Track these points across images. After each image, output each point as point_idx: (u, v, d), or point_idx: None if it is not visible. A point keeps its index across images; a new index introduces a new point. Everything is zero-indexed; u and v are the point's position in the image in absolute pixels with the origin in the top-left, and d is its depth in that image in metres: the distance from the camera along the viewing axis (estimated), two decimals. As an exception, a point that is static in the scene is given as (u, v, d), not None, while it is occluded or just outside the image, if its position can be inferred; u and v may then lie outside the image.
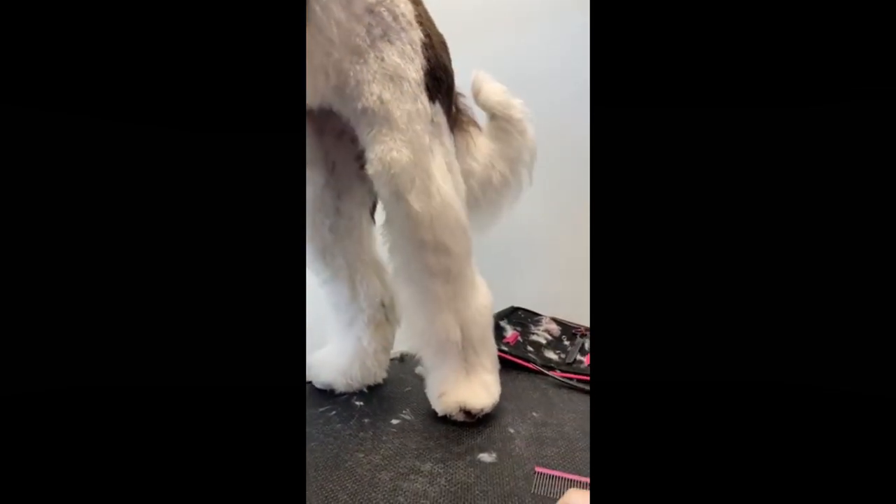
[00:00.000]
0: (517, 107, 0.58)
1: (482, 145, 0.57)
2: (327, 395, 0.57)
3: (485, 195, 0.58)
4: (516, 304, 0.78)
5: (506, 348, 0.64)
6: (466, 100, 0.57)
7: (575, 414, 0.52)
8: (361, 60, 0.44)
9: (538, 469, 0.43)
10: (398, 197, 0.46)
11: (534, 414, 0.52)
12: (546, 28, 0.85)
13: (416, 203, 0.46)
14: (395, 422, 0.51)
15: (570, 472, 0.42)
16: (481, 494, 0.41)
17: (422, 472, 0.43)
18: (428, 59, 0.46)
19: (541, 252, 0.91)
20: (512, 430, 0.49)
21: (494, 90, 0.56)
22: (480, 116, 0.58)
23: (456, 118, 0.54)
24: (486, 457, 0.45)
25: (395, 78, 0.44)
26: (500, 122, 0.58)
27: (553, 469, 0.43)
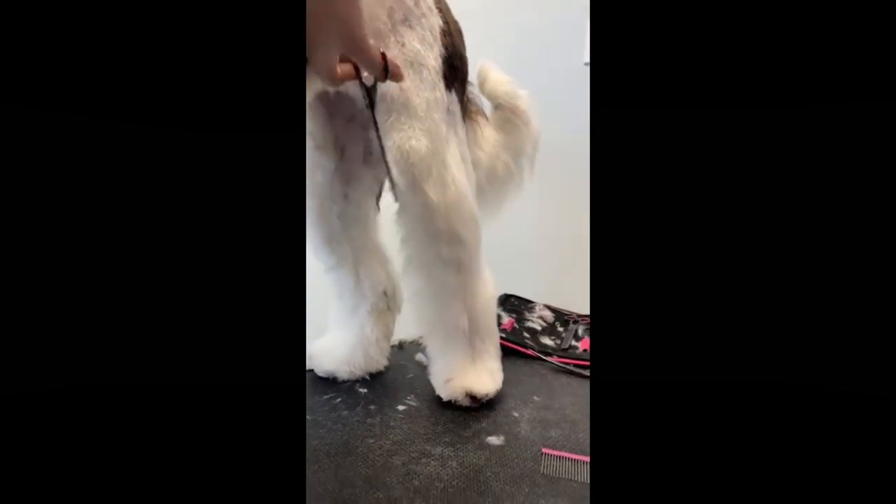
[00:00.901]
0: (523, 97, 0.58)
1: (489, 135, 0.57)
2: (330, 382, 0.57)
3: (490, 186, 0.58)
4: (506, 292, 0.80)
5: (503, 335, 0.66)
6: (473, 88, 0.56)
7: (575, 397, 0.54)
8: (382, 45, 0.43)
9: (545, 450, 0.45)
10: (415, 186, 0.46)
11: (535, 398, 0.54)
12: (542, 19, 0.85)
13: (432, 193, 0.46)
14: (401, 408, 0.52)
15: (575, 453, 0.45)
16: (493, 476, 0.42)
17: (433, 455, 0.45)
18: (446, 47, 0.46)
19: (529, 242, 0.93)
20: (516, 414, 0.51)
21: (500, 80, 0.57)
22: (486, 106, 0.58)
23: (465, 107, 0.54)
24: (494, 440, 0.47)
25: (414, 64, 0.43)
26: (505, 112, 0.58)
27: (559, 450, 0.45)
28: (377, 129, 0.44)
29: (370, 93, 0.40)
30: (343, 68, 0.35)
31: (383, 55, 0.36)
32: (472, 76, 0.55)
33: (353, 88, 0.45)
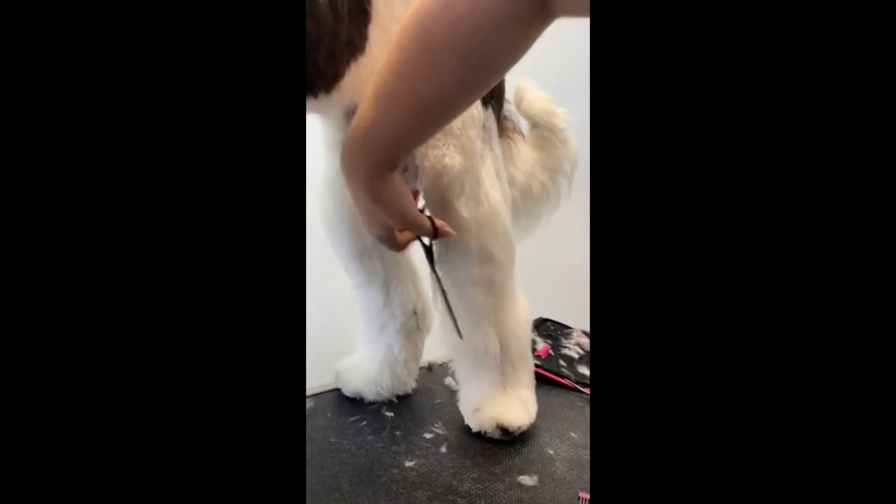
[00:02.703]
0: (560, 115, 0.56)
1: (525, 154, 0.55)
2: (356, 403, 0.55)
3: (525, 205, 0.56)
4: (542, 316, 0.76)
5: (538, 362, 0.62)
6: (510, 106, 0.55)
7: (616, 436, 0.50)
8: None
9: (582, 494, 0.41)
10: (446, 203, 0.44)
11: (572, 434, 0.50)
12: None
13: (464, 210, 0.44)
14: (427, 436, 0.49)
15: (617, 500, 0.40)
16: (525, 520, 0.39)
17: (460, 492, 0.42)
18: None
19: (567, 262, 0.89)
20: (551, 452, 0.47)
21: (538, 98, 0.55)
22: (523, 125, 0.57)
23: (501, 125, 0.52)
24: (526, 479, 0.43)
25: None
26: (543, 130, 0.56)
27: (598, 495, 0.41)
28: (439, 282, 0.46)
29: (430, 251, 0.45)
30: (403, 236, 0.42)
31: (431, 220, 0.42)
32: (509, 94, 0.54)
33: None
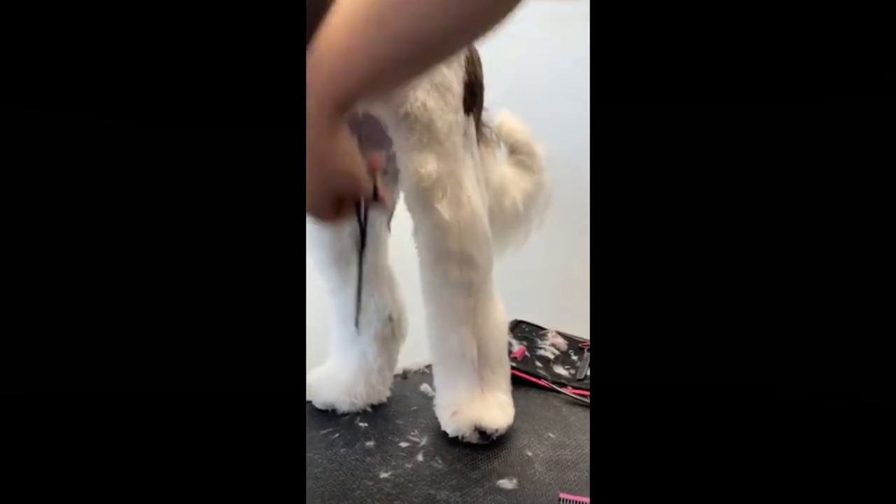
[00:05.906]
0: (539, 150, 0.58)
1: (506, 172, 0.57)
2: (328, 415, 0.53)
3: (492, 221, 0.56)
4: (517, 318, 0.76)
5: (514, 363, 0.62)
6: (487, 112, 0.56)
7: (592, 435, 0.50)
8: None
9: (563, 495, 0.41)
10: (428, 206, 0.44)
11: (550, 435, 0.50)
12: (541, 42, 0.85)
13: (445, 212, 0.44)
14: (403, 444, 0.48)
15: (596, 500, 0.41)
16: (505, 525, 0.38)
17: (438, 501, 0.40)
18: (469, 74, 0.46)
19: (540, 263, 0.90)
20: (530, 454, 0.47)
21: (519, 129, 0.57)
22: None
23: (479, 132, 0.53)
24: (506, 483, 0.43)
25: (440, 88, 0.44)
26: (521, 156, 0.58)
27: (577, 495, 0.41)
28: (361, 268, 0.44)
29: (363, 233, 0.43)
30: (342, 212, 0.38)
31: (374, 184, 0.39)
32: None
33: (377, 107, 0.44)
